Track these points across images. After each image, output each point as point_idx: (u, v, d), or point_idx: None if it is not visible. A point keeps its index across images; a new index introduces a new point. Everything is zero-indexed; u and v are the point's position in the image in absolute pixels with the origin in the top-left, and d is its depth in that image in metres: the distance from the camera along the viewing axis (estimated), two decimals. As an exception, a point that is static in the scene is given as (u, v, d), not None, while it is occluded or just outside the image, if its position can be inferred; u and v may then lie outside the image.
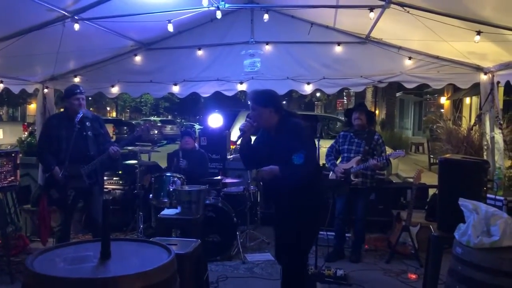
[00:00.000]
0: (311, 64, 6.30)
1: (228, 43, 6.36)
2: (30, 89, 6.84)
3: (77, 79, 6.72)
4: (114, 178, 6.29)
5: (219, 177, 5.83)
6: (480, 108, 6.09)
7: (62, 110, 5.36)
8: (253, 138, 3.55)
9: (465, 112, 16.13)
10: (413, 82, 6.13)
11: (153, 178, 5.27)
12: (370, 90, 19.34)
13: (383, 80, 6.22)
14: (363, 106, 5.50)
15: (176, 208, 4.69)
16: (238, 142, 3.48)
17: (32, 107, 29.41)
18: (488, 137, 5.76)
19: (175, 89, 6.74)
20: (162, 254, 2.06)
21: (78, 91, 4.38)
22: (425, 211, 5.56)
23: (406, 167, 12.45)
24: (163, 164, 6.41)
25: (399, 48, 5.94)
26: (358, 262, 4.97)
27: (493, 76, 5.69)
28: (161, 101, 40.00)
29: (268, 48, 6.28)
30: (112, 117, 38.56)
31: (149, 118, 36.25)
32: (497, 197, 4.45)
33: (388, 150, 5.39)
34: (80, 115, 4.28)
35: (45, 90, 6.85)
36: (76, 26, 4.78)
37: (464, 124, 7.65)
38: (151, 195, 5.23)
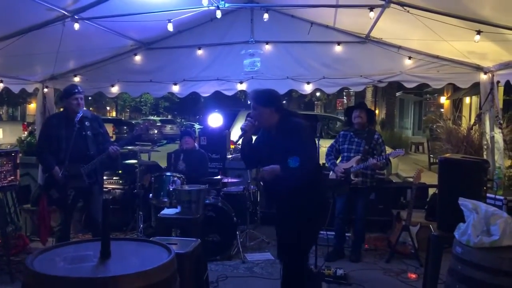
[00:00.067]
0: (311, 64, 6.30)
1: (228, 43, 6.36)
2: (30, 88, 6.84)
3: (77, 79, 6.72)
4: (114, 178, 6.29)
5: (219, 177, 5.83)
6: (480, 108, 6.09)
7: (61, 109, 5.36)
8: (253, 137, 3.56)
9: (465, 112, 16.13)
10: (413, 82, 6.13)
11: (153, 178, 5.27)
12: (370, 90, 19.33)
13: (383, 79, 6.22)
14: (363, 105, 5.49)
15: (176, 207, 4.68)
16: (239, 142, 3.48)
17: (32, 106, 29.41)
18: (488, 137, 5.76)
19: (175, 88, 6.74)
20: (162, 254, 2.06)
21: (77, 90, 4.37)
22: (425, 211, 5.56)
23: (406, 167, 12.46)
24: (163, 164, 6.41)
25: (399, 47, 5.94)
26: (358, 262, 4.97)
27: (493, 75, 5.69)
28: (161, 101, 40.00)
29: (268, 47, 6.28)
30: (112, 116, 38.53)
31: (148, 117, 36.26)
32: (497, 197, 4.45)
33: (388, 150, 5.39)
34: (80, 115, 4.29)
35: (45, 90, 6.85)
36: (76, 26, 4.78)
37: (464, 124, 7.66)
38: (151, 194, 5.23)
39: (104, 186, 5.70)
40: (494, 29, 4.21)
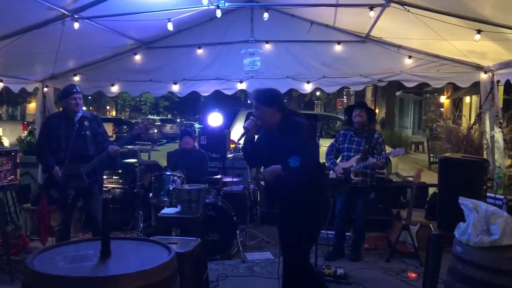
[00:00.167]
0: (311, 63, 6.30)
1: (228, 42, 6.35)
2: (30, 88, 6.84)
3: (76, 78, 6.72)
4: (114, 177, 6.29)
5: (219, 176, 5.83)
6: (480, 107, 6.09)
7: (60, 109, 5.36)
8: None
9: (465, 111, 16.13)
10: (413, 81, 6.12)
11: (153, 177, 5.26)
12: (370, 89, 19.33)
13: (383, 79, 6.23)
14: (363, 104, 5.49)
15: (176, 207, 4.69)
16: (241, 141, 3.48)
17: (32, 106, 29.42)
18: (488, 136, 5.77)
19: (175, 88, 6.73)
20: (162, 253, 2.06)
21: (75, 90, 4.36)
22: (425, 210, 5.56)
23: (406, 166, 12.46)
24: (163, 163, 6.41)
25: (399, 47, 5.94)
26: (358, 261, 4.97)
27: (493, 75, 5.69)
28: (161, 100, 39.99)
29: (268, 47, 6.28)
30: (111, 116, 38.54)
31: (148, 116, 36.24)
32: (497, 196, 4.45)
33: (388, 149, 5.39)
34: (79, 114, 4.29)
35: (45, 89, 6.84)
36: (76, 25, 4.78)
37: (464, 123, 7.68)
38: (151, 194, 5.22)
39: (104, 185, 5.70)
40: (494, 28, 4.21)
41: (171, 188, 4.94)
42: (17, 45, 4.83)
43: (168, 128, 27.24)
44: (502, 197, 4.56)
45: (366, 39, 6.02)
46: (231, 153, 7.12)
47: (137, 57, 6.56)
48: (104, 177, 5.90)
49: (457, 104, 16.36)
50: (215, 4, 4.77)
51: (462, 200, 2.69)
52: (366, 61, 6.13)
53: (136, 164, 5.69)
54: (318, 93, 30.33)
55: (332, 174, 5.15)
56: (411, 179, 5.89)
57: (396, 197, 6.06)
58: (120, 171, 6.33)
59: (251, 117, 3.40)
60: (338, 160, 5.24)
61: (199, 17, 5.88)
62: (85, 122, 4.40)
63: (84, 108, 4.57)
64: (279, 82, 6.22)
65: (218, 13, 4.88)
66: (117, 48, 6.37)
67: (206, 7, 4.76)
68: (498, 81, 5.67)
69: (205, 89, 6.72)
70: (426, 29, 4.69)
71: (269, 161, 3.32)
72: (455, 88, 16.63)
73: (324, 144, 5.76)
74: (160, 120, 29.76)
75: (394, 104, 23.00)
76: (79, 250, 2.09)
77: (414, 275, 4.50)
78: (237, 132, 9.11)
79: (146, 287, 1.79)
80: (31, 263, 1.86)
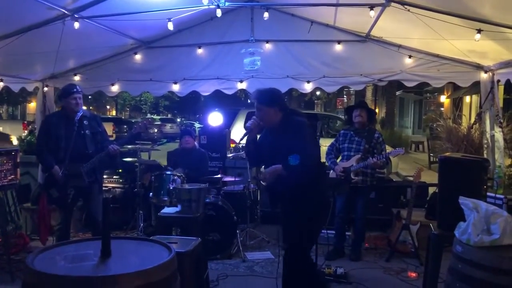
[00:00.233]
0: (311, 63, 6.30)
1: (228, 42, 6.36)
2: (30, 87, 6.84)
3: (77, 78, 6.72)
4: (114, 177, 6.28)
5: (219, 176, 5.83)
6: (480, 107, 6.09)
7: (59, 109, 5.35)
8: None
9: (465, 111, 16.13)
10: (413, 81, 6.13)
11: (153, 177, 5.26)
12: (370, 89, 19.32)
13: (383, 78, 6.23)
14: (364, 104, 5.49)
15: (176, 206, 4.69)
16: (243, 141, 3.50)
17: (32, 105, 29.42)
18: (488, 136, 5.77)
19: (175, 87, 6.74)
20: (162, 253, 2.06)
21: (75, 90, 4.36)
22: (425, 210, 5.55)
23: (406, 166, 12.45)
24: (163, 163, 6.41)
25: (399, 46, 5.94)
26: (358, 261, 4.97)
27: (493, 74, 5.69)
28: (161, 100, 39.96)
29: (268, 46, 6.28)
30: (112, 115, 38.51)
31: (147, 115, 36.21)
32: (497, 196, 4.46)
33: (388, 149, 5.39)
34: (79, 114, 4.29)
35: (45, 89, 6.84)
36: (76, 25, 4.78)
37: (464, 123, 7.67)
38: (151, 193, 5.22)
39: (104, 185, 5.71)
40: (494, 27, 4.21)
41: (171, 188, 4.94)
42: (17, 44, 4.83)
43: (168, 127, 27.23)
44: (502, 196, 4.56)
45: (366, 38, 6.01)
46: (231, 153, 7.14)
47: (137, 57, 6.56)
48: (104, 176, 5.92)
49: (457, 104, 16.36)
50: (215, 3, 4.77)
51: (462, 200, 2.69)
52: (366, 60, 6.13)
53: (136, 164, 5.69)
54: (318, 93, 30.33)
55: (332, 174, 5.15)
56: (411, 178, 5.89)
57: (396, 197, 6.06)
58: (120, 170, 6.33)
59: (253, 117, 3.42)
60: (338, 160, 5.24)
61: (199, 17, 5.88)
62: (85, 121, 4.40)
63: (84, 108, 4.57)
64: (279, 81, 6.22)
65: (218, 13, 4.88)
66: (117, 48, 6.37)
67: (206, 7, 4.76)
68: (498, 81, 5.67)
69: (205, 89, 6.72)
70: (426, 29, 4.69)
71: (270, 160, 3.33)
72: (455, 87, 16.62)
73: (324, 144, 5.76)
74: (160, 119, 29.75)
75: (394, 103, 22.99)
76: (80, 250, 2.09)
77: (414, 274, 4.50)
78: (237, 131, 9.12)
79: (146, 286, 1.79)
80: (32, 263, 1.86)
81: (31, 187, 6.16)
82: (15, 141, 11.68)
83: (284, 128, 3.30)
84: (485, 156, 5.68)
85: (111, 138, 5.50)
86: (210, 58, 6.46)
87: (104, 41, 5.87)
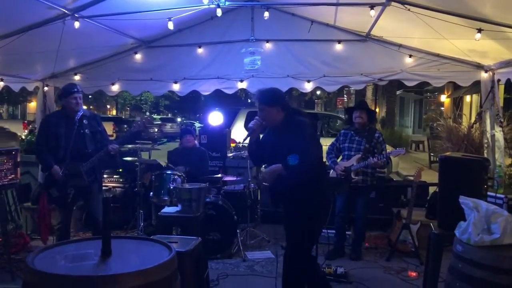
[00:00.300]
0: (312, 62, 6.29)
1: (228, 41, 6.35)
2: (30, 87, 6.85)
3: (77, 77, 6.72)
4: (115, 176, 6.28)
5: (219, 175, 5.83)
6: (481, 106, 6.09)
7: (59, 108, 5.35)
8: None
9: (466, 110, 16.12)
10: (414, 80, 6.12)
11: (153, 176, 5.26)
12: (370, 88, 19.33)
13: (383, 78, 6.22)
14: (364, 104, 5.48)
15: (177, 206, 4.68)
16: (247, 141, 3.51)
17: (32, 105, 29.42)
18: (488, 135, 5.76)
19: (175, 87, 6.73)
20: (163, 252, 2.06)
21: (75, 90, 4.36)
22: (425, 209, 5.55)
23: (406, 165, 12.45)
24: (164, 162, 6.41)
25: (400, 46, 5.93)
26: (359, 260, 4.97)
27: (493, 74, 5.69)
28: (161, 99, 39.97)
29: (268, 46, 6.28)
30: (112, 115, 38.50)
31: (146, 114, 36.21)
32: (498, 195, 4.45)
33: (388, 148, 5.39)
34: (80, 114, 4.29)
35: (45, 88, 6.85)
36: (76, 24, 4.78)
37: (465, 122, 7.67)
38: (151, 193, 5.22)
39: (105, 184, 5.71)
40: (495, 27, 4.21)
41: (171, 187, 4.94)
42: (17, 44, 4.84)
43: (168, 127, 27.26)
44: (502, 196, 4.56)
45: (366, 38, 6.01)
46: (231, 152, 7.14)
47: (138, 56, 6.56)
48: (105, 176, 5.93)
49: (457, 103, 16.35)
50: (216, 3, 4.77)
51: (462, 199, 2.68)
52: (367, 60, 6.12)
53: (137, 163, 5.70)
54: (318, 92, 30.33)
55: (332, 173, 5.15)
56: (411, 178, 5.89)
57: (396, 196, 6.06)
58: (120, 170, 6.33)
59: (256, 117, 3.43)
60: (339, 160, 5.24)
61: (200, 16, 5.87)
62: (84, 121, 4.40)
63: (84, 107, 4.57)
64: (280, 81, 6.22)
65: (219, 12, 4.88)
66: (117, 47, 6.37)
67: (207, 6, 4.76)
68: (499, 80, 5.67)
69: (206, 88, 6.72)
70: (427, 28, 4.69)
71: (272, 159, 3.34)
72: (455, 87, 16.60)
73: (325, 143, 5.74)
74: (161, 119, 29.77)
75: (395, 103, 22.97)
76: (80, 249, 2.09)
77: (414, 274, 4.51)
78: (237, 131, 9.11)
79: (147, 286, 1.79)
80: (32, 262, 1.86)
81: (31, 186, 6.16)
82: (15, 141, 11.68)
83: (286, 127, 3.32)
84: (485, 155, 5.68)
85: (111, 138, 5.49)
86: (210, 57, 6.46)
87: (104, 40, 5.87)
